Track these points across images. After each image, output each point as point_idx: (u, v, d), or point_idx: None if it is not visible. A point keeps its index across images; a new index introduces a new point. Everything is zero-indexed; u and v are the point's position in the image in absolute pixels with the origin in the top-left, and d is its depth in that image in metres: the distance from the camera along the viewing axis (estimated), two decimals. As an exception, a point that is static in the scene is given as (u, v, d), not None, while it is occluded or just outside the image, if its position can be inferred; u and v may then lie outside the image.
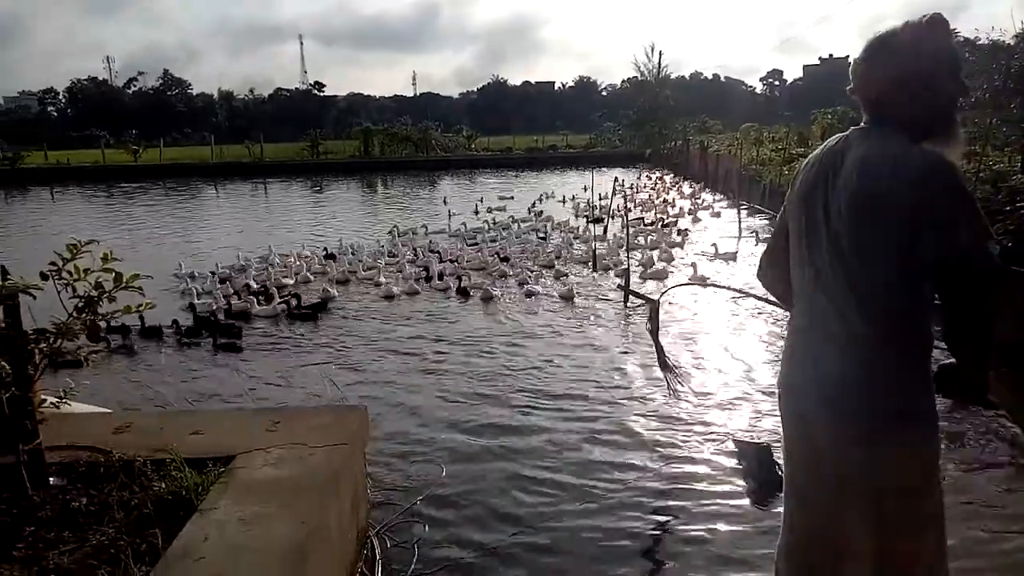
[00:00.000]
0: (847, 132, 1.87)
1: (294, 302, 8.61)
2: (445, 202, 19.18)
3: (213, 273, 10.60)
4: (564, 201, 18.67)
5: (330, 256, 11.74)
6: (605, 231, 13.64)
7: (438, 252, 11.84)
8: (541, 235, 13.76)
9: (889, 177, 1.65)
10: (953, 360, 1.75)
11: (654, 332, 4.12)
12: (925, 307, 1.74)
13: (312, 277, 10.45)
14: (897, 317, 1.72)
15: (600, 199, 17.43)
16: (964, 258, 1.60)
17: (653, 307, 4.14)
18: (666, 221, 14.94)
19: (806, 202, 1.85)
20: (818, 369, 1.81)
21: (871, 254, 1.70)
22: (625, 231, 11.64)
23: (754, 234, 13.28)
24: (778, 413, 2.07)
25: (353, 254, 11.85)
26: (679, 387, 4.61)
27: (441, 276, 10.18)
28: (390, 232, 14.22)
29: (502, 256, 11.41)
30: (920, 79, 1.72)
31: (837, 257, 1.75)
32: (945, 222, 1.60)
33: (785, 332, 2.03)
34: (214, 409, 5.21)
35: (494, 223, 15.09)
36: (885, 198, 1.65)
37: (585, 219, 15.47)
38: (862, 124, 1.85)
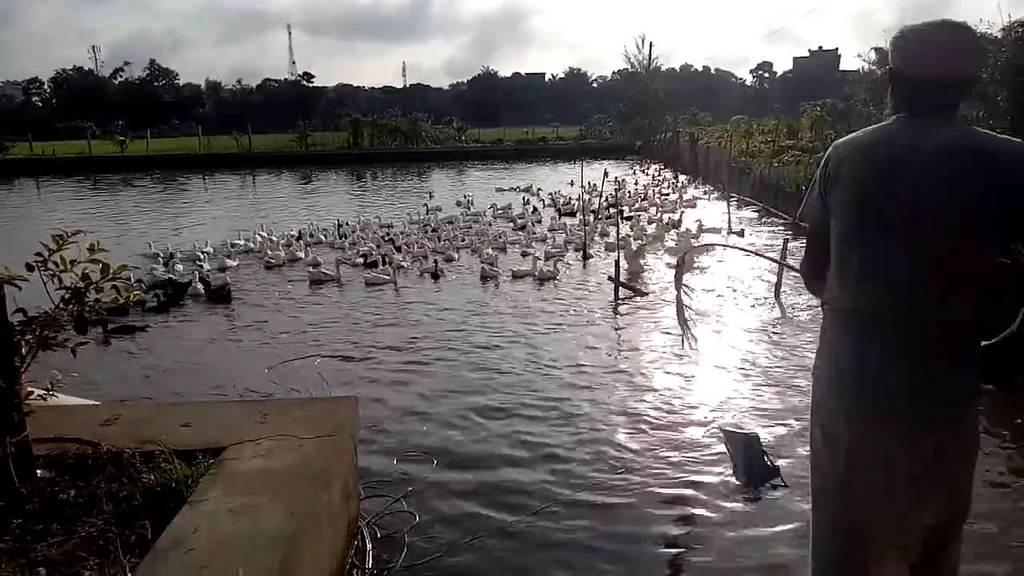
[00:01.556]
0: (891, 122, 1.83)
1: (202, 286, 9.12)
2: (431, 196, 19.22)
3: (160, 254, 11.63)
4: (553, 194, 18.63)
5: (299, 237, 12.90)
6: (592, 220, 13.69)
7: (392, 239, 12.62)
8: (520, 226, 14.09)
9: (993, 162, 1.68)
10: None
11: (678, 287, 4.19)
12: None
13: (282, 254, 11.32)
14: (979, 299, 1.75)
15: (581, 193, 17.56)
16: None
17: (680, 262, 4.34)
18: (629, 213, 15.14)
19: (873, 196, 1.78)
20: (902, 360, 1.77)
21: (968, 240, 1.71)
22: (615, 222, 11.66)
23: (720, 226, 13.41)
24: (807, 409, 1.99)
25: (311, 236, 13.01)
26: (692, 344, 4.65)
27: (391, 256, 10.76)
28: (337, 222, 14.50)
29: (460, 242, 12.10)
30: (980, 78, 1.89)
31: (926, 246, 1.73)
32: None
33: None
34: (204, 401, 5.19)
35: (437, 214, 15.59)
36: (994, 183, 1.67)
37: (558, 212, 16.31)
38: (905, 111, 1.81)
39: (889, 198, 1.75)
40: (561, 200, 17.52)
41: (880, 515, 1.87)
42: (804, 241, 2.08)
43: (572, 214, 15.41)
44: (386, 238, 12.89)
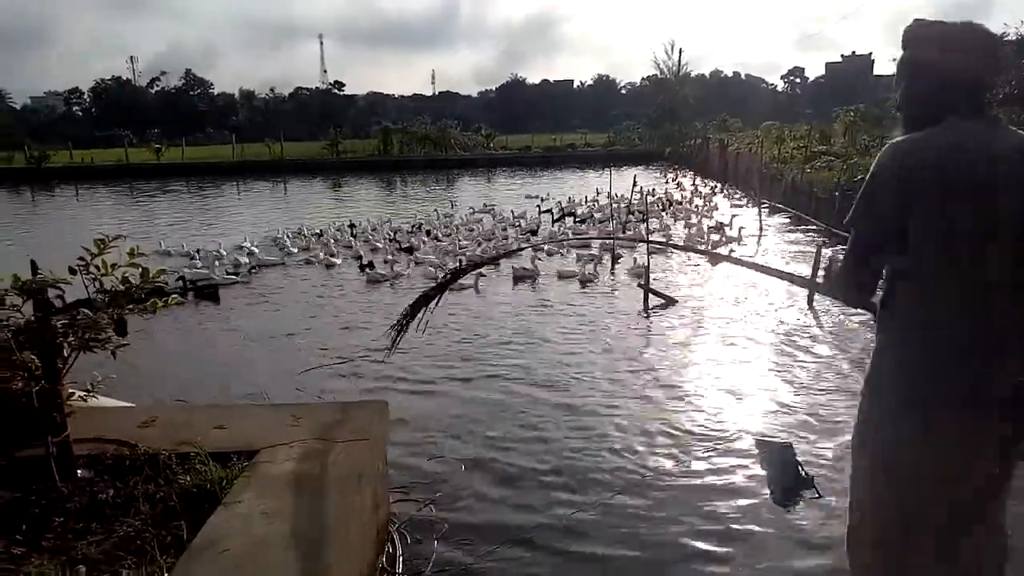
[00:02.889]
0: (946, 125, 1.80)
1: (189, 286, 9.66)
2: (452, 205, 19.34)
3: (172, 252, 12.60)
4: (564, 204, 18.54)
5: (320, 235, 13.83)
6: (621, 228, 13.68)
7: (398, 242, 13.05)
8: (528, 230, 14.30)
9: None
10: None
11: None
12: None
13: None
14: None
15: (609, 201, 17.48)
16: None
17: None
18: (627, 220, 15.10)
19: (954, 201, 1.75)
20: (973, 356, 1.79)
21: None
22: (645, 227, 11.63)
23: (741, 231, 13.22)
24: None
25: (319, 236, 13.75)
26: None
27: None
28: (350, 223, 15.11)
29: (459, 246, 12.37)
30: None
31: (1006, 247, 1.75)
32: None
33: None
34: (237, 404, 5.26)
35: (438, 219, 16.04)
36: None
37: (572, 218, 16.37)
38: (950, 115, 1.80)
39: (971, 202, 1.74)
40: (580, 208, 17.44)
41: (931, 497, 1.89)
42: (852, 246, 1.95)
43: (583, 221, 15.53)
44: (393, 239, 13.37)
